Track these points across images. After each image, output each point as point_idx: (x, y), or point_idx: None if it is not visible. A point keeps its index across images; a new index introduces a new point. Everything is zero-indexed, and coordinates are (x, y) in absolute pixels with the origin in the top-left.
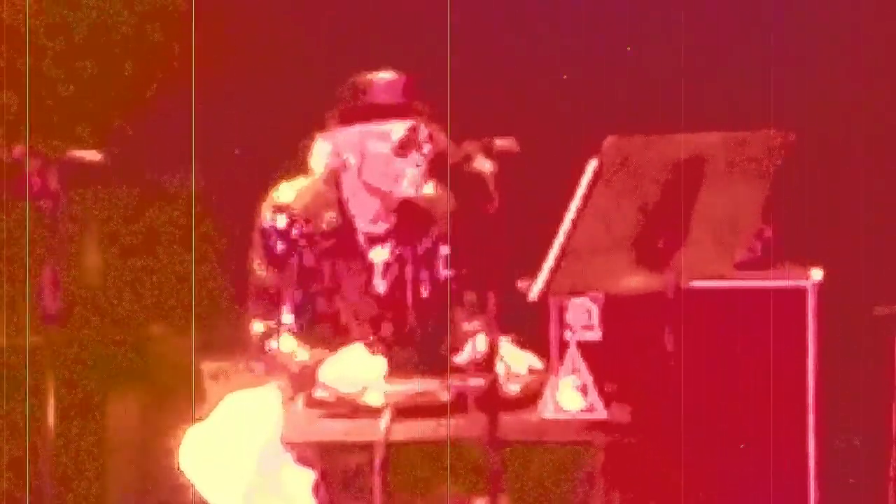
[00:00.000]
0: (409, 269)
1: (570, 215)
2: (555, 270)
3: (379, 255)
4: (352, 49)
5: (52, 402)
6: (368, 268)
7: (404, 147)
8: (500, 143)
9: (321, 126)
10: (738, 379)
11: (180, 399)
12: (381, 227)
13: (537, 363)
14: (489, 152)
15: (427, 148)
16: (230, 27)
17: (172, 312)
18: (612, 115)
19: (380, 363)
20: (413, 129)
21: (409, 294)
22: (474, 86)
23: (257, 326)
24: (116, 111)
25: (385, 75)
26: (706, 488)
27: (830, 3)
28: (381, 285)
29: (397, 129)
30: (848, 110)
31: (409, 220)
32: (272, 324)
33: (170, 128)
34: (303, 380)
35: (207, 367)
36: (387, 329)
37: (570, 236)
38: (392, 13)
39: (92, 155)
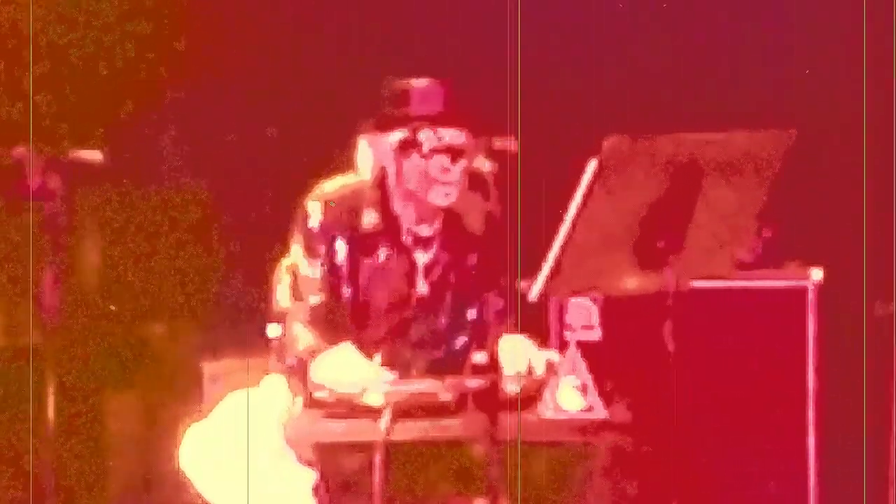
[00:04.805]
0: (449, 272)
1: (570, 215)
2: (555, 270)
3: (421, 256)
4: (372, 49)
5: (51, 401)
6: (411, 267)
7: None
8: (500, 143)
9: (360, 128)
10: (738, 379)
11: (181, 398)
12: (425, 230)
13: (555, 357)
14: (489, 152)
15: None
16: (258, 26)
17: (173, 312)
18: (612, 115)
19: (371, 363)
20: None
21: (447, 296)
22: (474, 86)
23: (273, 330)
24: (117, 111)
25: (420, 82)
26: (706, 488)
27: (830, 3)
28: (422, 286)
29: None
30: (848, 110)
31: (453, 224)
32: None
33: (171, 128)
34: (302, 374)
35: (208, 366)
36: (416, 329)
37: (570, 236)
38: (412, 16)
39: (92, 155)
